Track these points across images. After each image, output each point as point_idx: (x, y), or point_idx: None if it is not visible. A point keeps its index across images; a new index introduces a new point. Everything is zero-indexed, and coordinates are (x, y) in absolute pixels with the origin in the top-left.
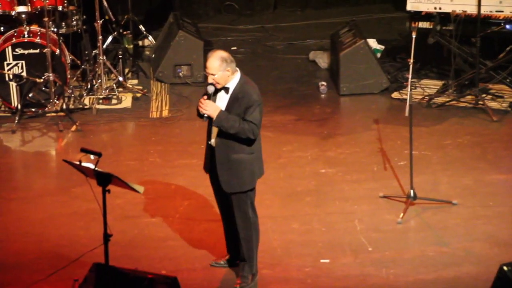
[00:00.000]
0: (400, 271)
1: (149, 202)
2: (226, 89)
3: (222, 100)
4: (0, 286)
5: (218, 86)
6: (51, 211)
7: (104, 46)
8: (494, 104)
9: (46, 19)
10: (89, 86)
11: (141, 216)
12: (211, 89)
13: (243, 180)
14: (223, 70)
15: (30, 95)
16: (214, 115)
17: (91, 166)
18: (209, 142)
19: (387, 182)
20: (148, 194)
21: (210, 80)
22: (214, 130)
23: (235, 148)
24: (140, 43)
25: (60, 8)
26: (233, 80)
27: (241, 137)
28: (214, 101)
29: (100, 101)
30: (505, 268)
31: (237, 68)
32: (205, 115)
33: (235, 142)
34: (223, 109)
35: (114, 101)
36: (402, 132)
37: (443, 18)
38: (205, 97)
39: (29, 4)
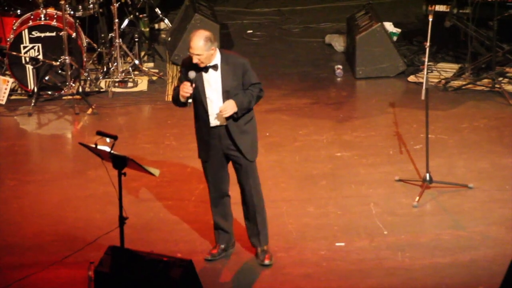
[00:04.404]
0: (416, 254)
1: (164, 185)
2: (214, 67)
3: (214, 77)
4: (16, 267)
5: (202, 65)
6: (67, 194)
7: (120, 29)
8: (510, 88)
9: (62, 2)
10: (105, 69)
11: (156, 199)
12: (192, 74)
13: (257, 143)
14: (208, 50)
15: (47, 78)
16: (235, 109)
17: (107, 149)
18: (212, 125)
19: (403, 166)
20: (164, 177)
21: (195, 60)
22: (219, 115)
23: (245, 117)
24: (156, 26)
25: None
26: (216, 56)
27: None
28: (202, 82)
29: (116, 84)
30: None
31: None
32: (189, 101)
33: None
34: (220, 86)
35: (130, 84)
36: (418, 115)
37: (460, 1)
38: (188, 83)
39: None
